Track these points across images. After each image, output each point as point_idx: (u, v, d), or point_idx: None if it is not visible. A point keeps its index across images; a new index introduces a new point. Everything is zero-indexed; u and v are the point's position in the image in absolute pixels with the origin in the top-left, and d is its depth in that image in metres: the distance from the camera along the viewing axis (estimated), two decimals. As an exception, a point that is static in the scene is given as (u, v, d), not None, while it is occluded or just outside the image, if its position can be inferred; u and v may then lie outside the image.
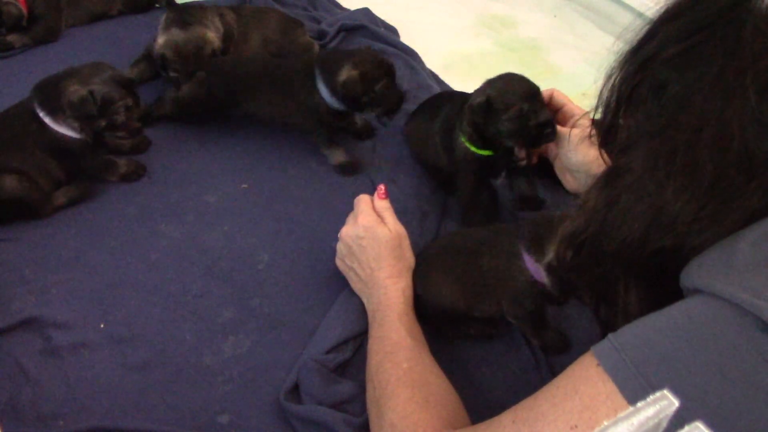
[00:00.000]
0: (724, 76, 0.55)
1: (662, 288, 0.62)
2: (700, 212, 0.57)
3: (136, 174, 1.28)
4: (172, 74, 1.38)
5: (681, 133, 0.57)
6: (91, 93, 1.13)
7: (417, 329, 0.95)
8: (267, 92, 1.32)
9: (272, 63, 1.39)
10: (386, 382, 0.86)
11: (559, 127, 1.10)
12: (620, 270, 0.66)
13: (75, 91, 1.13)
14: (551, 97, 1.17)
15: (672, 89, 0.59)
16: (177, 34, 1.36)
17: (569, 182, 1.14)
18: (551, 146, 1.15)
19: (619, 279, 0.67)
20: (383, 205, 1.06)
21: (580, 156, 1.08)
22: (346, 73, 1.21)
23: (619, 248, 0.63)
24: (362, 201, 1.07)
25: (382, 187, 1.07)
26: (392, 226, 1.04)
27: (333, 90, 1.24)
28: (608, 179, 0.65)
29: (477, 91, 1.15)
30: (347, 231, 1.05)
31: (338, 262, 1.09)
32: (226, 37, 1.49)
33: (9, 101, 1.20)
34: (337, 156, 1.34)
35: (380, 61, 1.23)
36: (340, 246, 1.07)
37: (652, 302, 0.59)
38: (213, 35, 1.41)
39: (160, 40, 1.37)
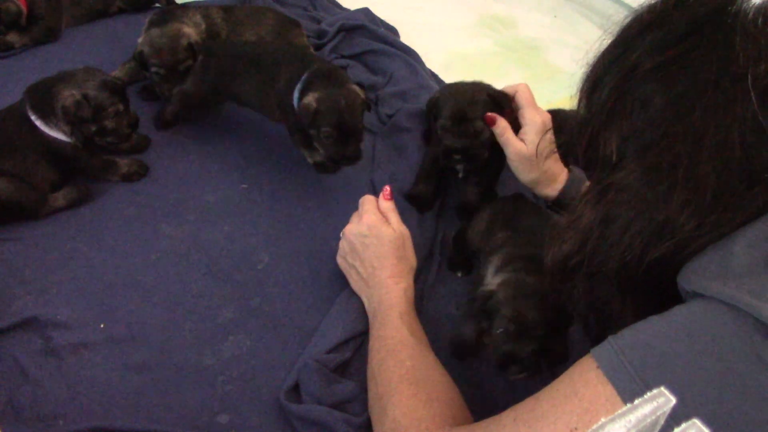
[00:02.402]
0: (722, 84, 0.55)
1: (659, 297, 0.61)
2: (704, 221, 0.57)
3: (138, 174, 1.27)
4: (153, 70, 1.39)
5: (679, 145, 0.57)
6: (85, 97, 1.13)
7: (419, 328, 0.95)
8: (254, 78, 1.28)
9: (267, 48, 1.36)
10: (389, 379, 0.86)
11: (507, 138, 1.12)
12: (616, 288, 0.65)
13: (70, 95, 1.13)
14: (515, 94, 1.14)
15: (659, 100, 0.58)
16: (153, 31, 1.40)
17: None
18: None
19: (614, 297, 0.66)
20: (388, 206, 1.07)
21: (523, 175, 1.13)
22: (310, 96, 1.14)
23: (618, 266, 0.62)
24: (367, 201, 1.08)
25: (387, 188, 1.08)
26: (396, 227, 1.04)
27: (297, 104, 1.19)
28: (601, 196, 0.64)
29: (439, 90, 1.21)
30: (351, 229, 1.05)
31: (339, 260, 1.09)
32: (210, 35, 1.50)
33: (8, 101, 1.20)
34: (314, 155, 1.29)
35: (347, 110, 1.12)
36: (342, 244, 1.07)
37: (650, 313, 0.59)
38: (190, 29, 1.42)
39: (140, 39, 1.40)
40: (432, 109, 1.20)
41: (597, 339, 0.62)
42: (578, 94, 0.68)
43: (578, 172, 1.12)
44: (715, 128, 0.55)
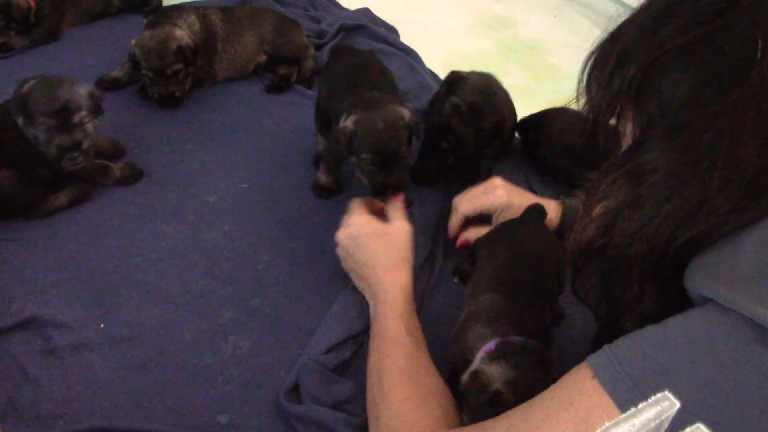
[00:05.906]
0: (766, 59, 0.53)
1: (677, 286, 0.60)
2: (739, 203, 0.55)
3: (132, 178, 1.26)
4: (143, 72, 1.40)
5: (721, 122, 0.54)
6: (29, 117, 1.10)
7: (416, 327, 0.95)
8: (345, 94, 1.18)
9: (368, 68, 1.27)
10: (383, 380, 0.86)
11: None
12: (637, 274, 0.63)
13: (17, 114, 1.11)
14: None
15: (695, 79, 0.56)
16: (145, 33, 1.41)
17: None
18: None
19: (633, 284, 0.64)
20: (396, 205, 1.08)
21: None
22: (347, 119, 1.08)
23: (645, 250, 0.60)
24: (354, 201, 1.09)
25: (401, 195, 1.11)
26: (396, 222, 1.04)
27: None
28: (629, 177, 0.61)
29: (462, 88, 1.20)
30: (341, 234, 1.06)
31: (343, 265, 1.09)
32: (208, 36, 1.50)
33: (8, 101, 1.20)
34: (320, 175, 1.27)
35: (386, 132, 1.06)
36: (338, 250, 1.07)
37: (667, 300, 0.58)
38: (181, 32, 1.42)
39: (133, 41, 1.41)
40: (451, 84, 1.22)
41: (607, 326, 0.61)
42: (598, 66, 0.65)
43: (570, 201, 1.11)
44: (758, 105, 0.53)
